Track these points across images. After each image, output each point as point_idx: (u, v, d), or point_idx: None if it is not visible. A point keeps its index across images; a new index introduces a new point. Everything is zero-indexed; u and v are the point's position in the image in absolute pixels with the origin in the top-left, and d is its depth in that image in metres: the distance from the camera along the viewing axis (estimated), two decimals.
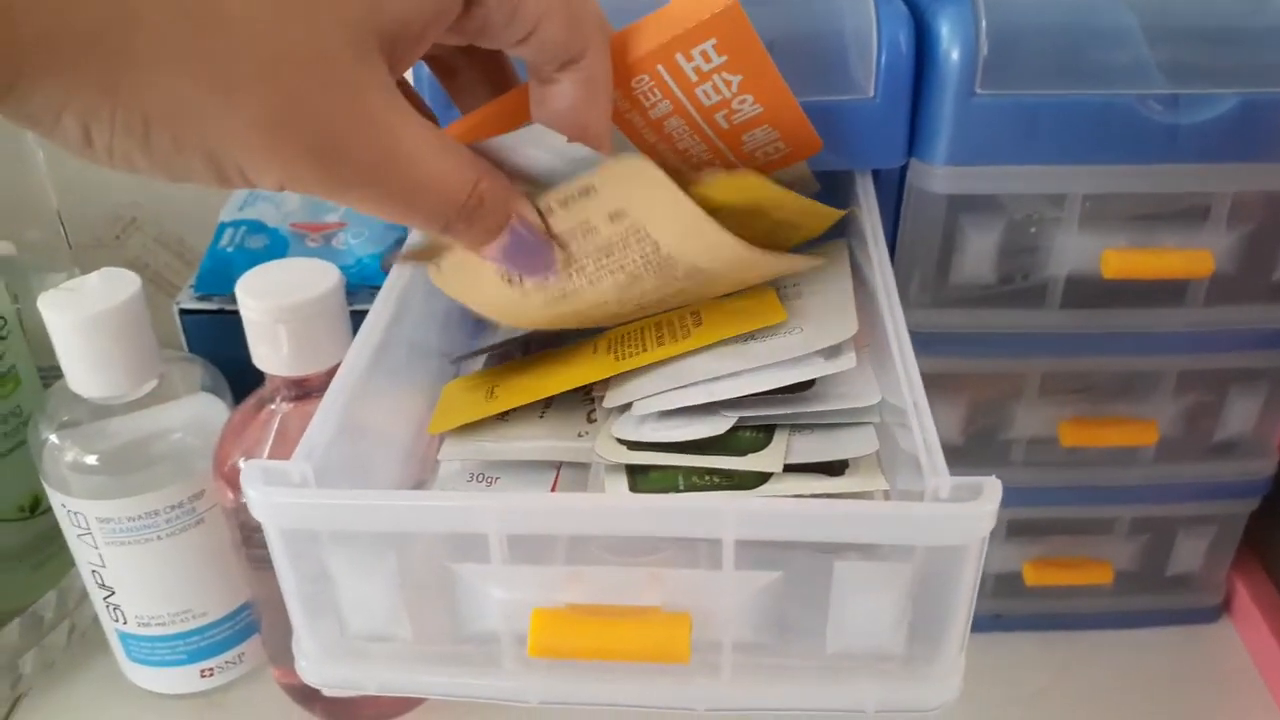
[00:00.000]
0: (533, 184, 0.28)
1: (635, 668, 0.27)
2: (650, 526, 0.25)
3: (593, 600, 0.25)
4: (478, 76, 0.30)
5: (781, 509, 0.24)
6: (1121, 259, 0.38)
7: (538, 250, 0.27)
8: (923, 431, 0.26)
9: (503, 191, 0.26)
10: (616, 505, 0.25)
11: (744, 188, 0.28)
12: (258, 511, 0.25)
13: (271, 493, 0.25)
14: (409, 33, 0.22)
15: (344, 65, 0.20)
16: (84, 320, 0.38)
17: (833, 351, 0.30)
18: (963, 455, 0.43)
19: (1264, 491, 0.45)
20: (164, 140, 0.19)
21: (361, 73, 0.21)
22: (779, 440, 0.29)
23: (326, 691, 0.43)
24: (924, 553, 0.25)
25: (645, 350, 0.31)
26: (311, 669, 0.28)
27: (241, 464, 0.25)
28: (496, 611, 0.26)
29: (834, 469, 0.29)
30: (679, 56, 0.28)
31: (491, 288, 0.29)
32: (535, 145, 0.26)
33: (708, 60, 0.28)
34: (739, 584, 0.25)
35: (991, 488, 0.24)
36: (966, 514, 0.24)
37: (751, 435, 0.29)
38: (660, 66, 0.29)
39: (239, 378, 0.42)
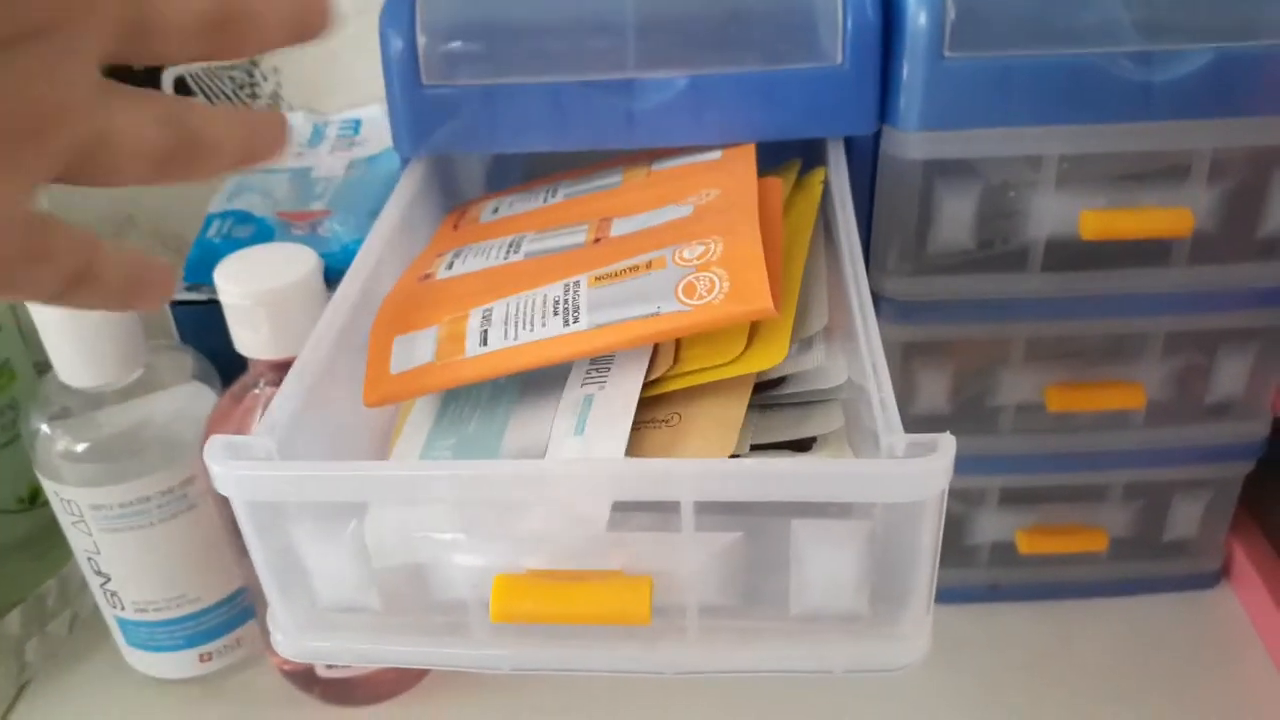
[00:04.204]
0: None
1: (604, 633, 0.27)
2: (607, 490, 0.25)
3: (555, 566, 0.25)
4: None
5: (738, 469, 0.24)
6: (1100, 219, 0.37)
7: None
8: (879, 391, 0.25)
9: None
10: (572, 470, 0.25)
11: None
12: (222, 485, 0.25)
13: (235, 466, 0.25)
14: None
15: None
16: (68, 310, 0.38)
17: (804, 345, 0.30)
18: (950, 423, 0.43)
19: (1259, 454, 0.45)
20: None
21: None
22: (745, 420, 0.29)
23: (320, 672, 0.43)
24: (882, 510, 0.25)
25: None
26: (286, 641, 0.28)
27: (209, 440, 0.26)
28: (462, 579, 0.26)
29: (801, 446, 0.29)
30: None
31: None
32: None
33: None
34: (699, 546, 0.25)
35: (946, 443, 0.24)
36: (922, 469, 0.23)
37: None
38: None
39: (229, 367, 0.43)
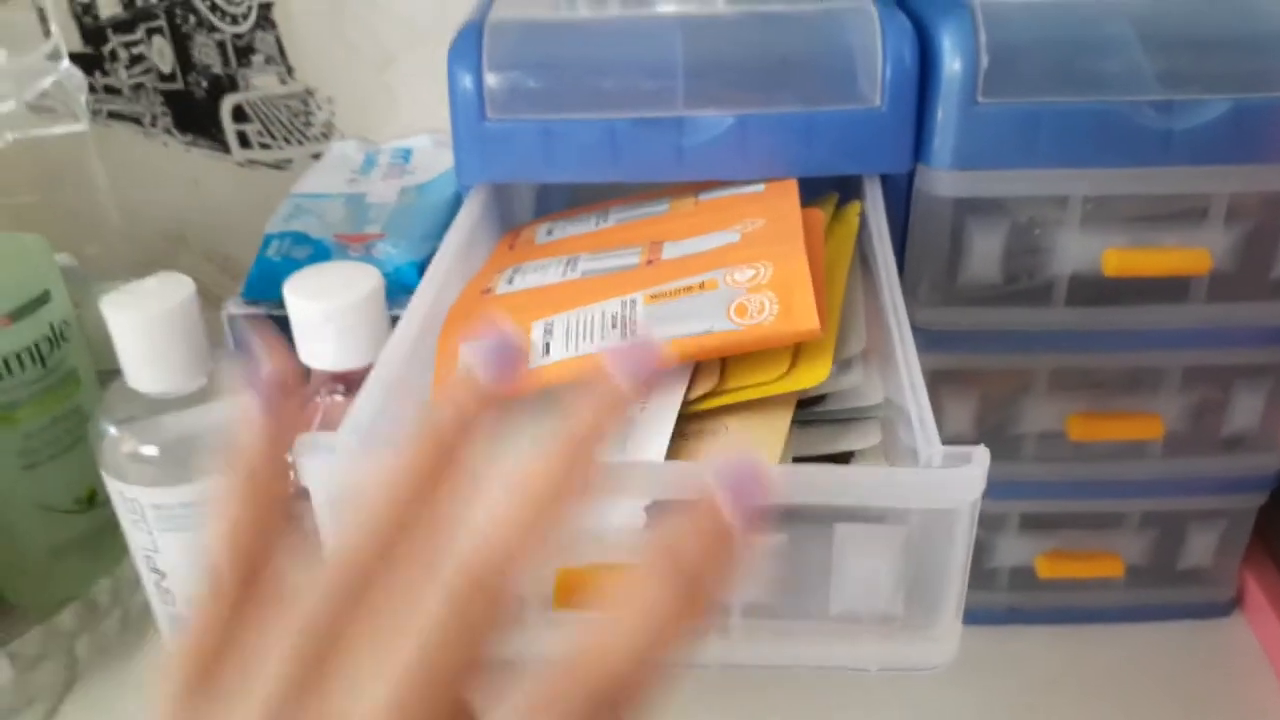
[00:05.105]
0: None
1: None
2: (660, 491, 0.26)
3: (609, 560, 0.27)
4: None
5: (788, 473, 0.26)
6: (1121, 258, 0.39)
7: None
8: (918, 406, 0.27)
9: None
10: (624, 471, 0.27)
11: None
12: (307, 478, 0.27)
13: (320, 460, 0.27)
14: None
15: None
16: (143, 319, 0.41)
17: (843, 366, 0.32)
18: None
19: (1272, 486, 0.46)
20: None
21: None
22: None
23: None
24: (919, 517, 0.27)
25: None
26: None
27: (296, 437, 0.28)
28: None
29: (839, 460, 0.31)
30: None
31: None
32: None
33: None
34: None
35: (980, 455, 0.25)
36: (958, 478, 0.25)
37: None
38: None
39: None
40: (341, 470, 0.27)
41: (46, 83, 0.48)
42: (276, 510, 0.23)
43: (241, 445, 0.23)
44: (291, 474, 0.24)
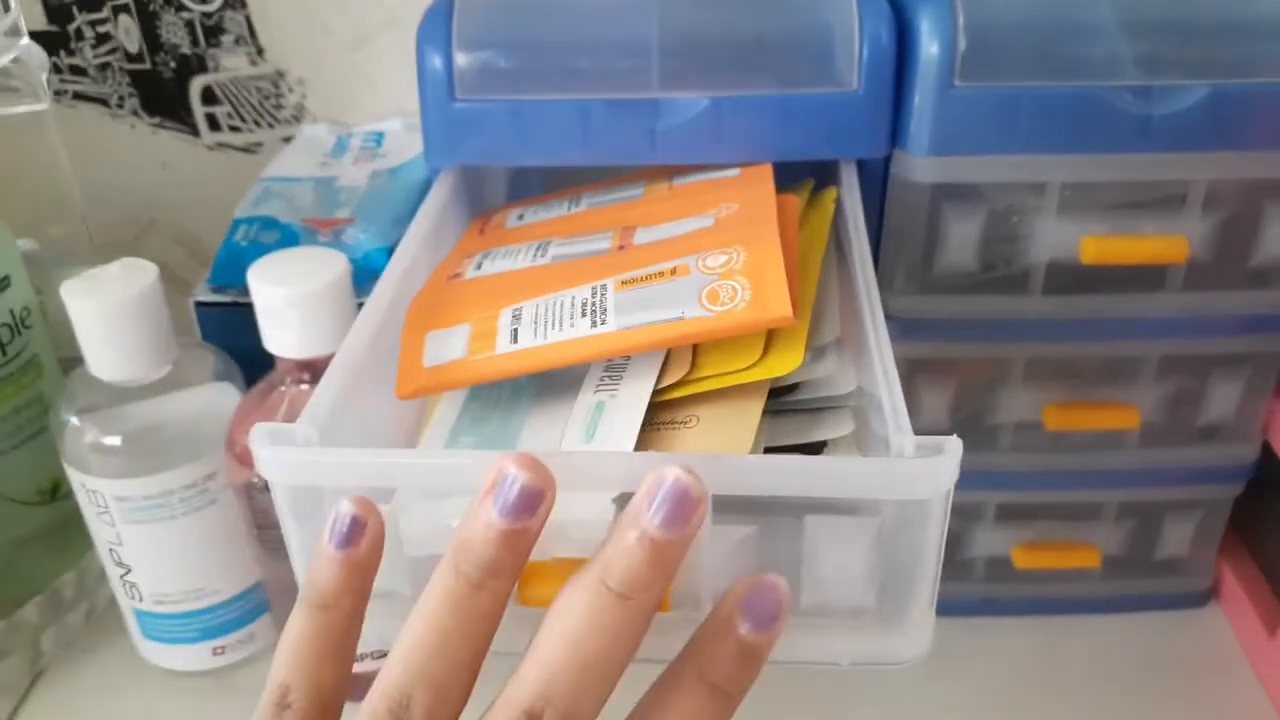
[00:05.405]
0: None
1: None
2: (629, 483, 0.26)
3: (578, 554, 0.27)
4: None
5: (757, 464, 0.26)
6: (1099, 245, 0.39)
7: None
8: (890, 395, 0.27)
9: None
10: (593, 463, 0.26)
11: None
12: (265, 469, 0.27)
13: (278, 451, 0.26)
14: None
15: None
16: (105, 306, 0.40)
17: (817, 354, 0.32)
18: None
19: (1248, 476, 0.46)
20: None
21: None
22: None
23: None
24: (891, 508, 0.26)
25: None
26: None
27: (253, 427, 0.27)
28: None
29: (812, 450, 0.30)
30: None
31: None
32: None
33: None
34: (716, 538, 0.26)
35: (953, 445, 0.25)
36: (930, 469, 0.25)
37: None
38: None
39: (251, 367, 0.44)
40: (299, 460, 0.26)
41: (5, 60, 0.47)
42: (348, 643, 0.26)
43: (317, 578, 0.25)
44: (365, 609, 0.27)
